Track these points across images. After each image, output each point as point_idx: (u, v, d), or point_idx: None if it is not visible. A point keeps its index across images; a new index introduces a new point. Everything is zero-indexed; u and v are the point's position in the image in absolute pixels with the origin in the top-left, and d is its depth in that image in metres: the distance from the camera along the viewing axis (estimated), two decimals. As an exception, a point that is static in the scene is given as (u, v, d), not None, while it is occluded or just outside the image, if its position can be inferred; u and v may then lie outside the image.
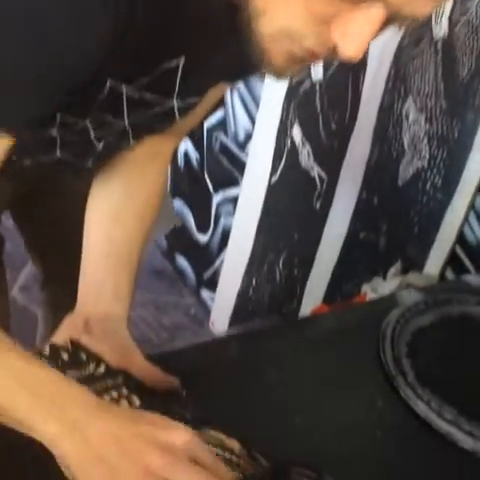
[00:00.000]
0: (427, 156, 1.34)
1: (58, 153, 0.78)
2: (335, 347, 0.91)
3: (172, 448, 0.57)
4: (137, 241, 0.86)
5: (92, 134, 0.76)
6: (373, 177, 1.48)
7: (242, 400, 0.81)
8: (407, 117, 1.37)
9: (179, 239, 2.37)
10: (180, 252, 2.37)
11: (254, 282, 1.93)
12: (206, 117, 0.92)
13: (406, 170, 1.38)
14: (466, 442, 0.78)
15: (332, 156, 1.58)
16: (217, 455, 0.70)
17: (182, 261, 2.36)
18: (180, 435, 0.58)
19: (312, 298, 1.70)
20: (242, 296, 1.98)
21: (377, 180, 1.47)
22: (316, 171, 1.63)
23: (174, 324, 2.15)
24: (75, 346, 0.78)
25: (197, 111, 0.83)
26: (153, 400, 0.76)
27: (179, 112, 0.78)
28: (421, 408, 0.81)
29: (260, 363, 0.87)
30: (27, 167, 0.82)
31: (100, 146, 0.79)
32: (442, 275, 1.32)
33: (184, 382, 0.79)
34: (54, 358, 0.78)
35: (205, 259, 2.20)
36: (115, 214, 0.86)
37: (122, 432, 0.57)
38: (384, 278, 1.43)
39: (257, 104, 1.81)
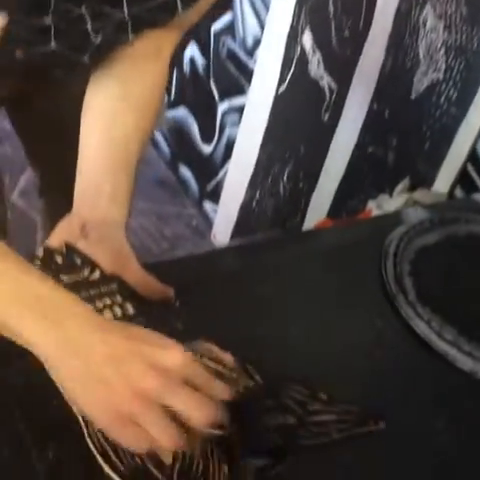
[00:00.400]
0: (443, 67, 1.27)
1: (53, 44, 0.74)
2: (336, 263, 0.88)
3: (168, 370, 0.54)
4: (136, 142, 0.82)
5: (89, 25, 0.71)
6: (385, 88, 1.41)
7: (238, 313, 0.79)
8: (424, 24, 1.29)
9: (183, 149, 2.32)
10: (184, 162, 2.33)
11: (258, 195, 1.89)
12: (209, 14, 0.85)
13: (420, 82, 1.31)
14: (465, 363, 0.76)
15: (344, 65, 1.51)
16: (210, 368, 0.69)
17: (185, 171, 2.32)
18: (176, 356, 0.55)
19: (316, 213, 1.67)
20: (245, 209, 1.96)
21: (389, 92, 1.41)
22: (326, 81, 1.56)
23: (175, 235, 2.13)
24: (70, 250, 0.76)
25: (200, 4, 0.77)
26: (147, 309, 0.74)
27: (182, 4, 0.72)
28: (421, 328, 0.79)
29: (258, 276, 0.84)
30: (21, 60, 0.78)
31: (97, 39, 0.75)
32: (451, 193, 1.28)
33: (179, 292, 0.77)
34: (48, 261, 0.75)
35: (208, 170, 2.16)
36: (113, 113, 0.82)
37: (119, 351, 0.54)
38: (390, 195, 1.39)
39: (267, 8, 1.72)
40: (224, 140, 2.07)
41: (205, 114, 2.13)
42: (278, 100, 1.71)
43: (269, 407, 0.66)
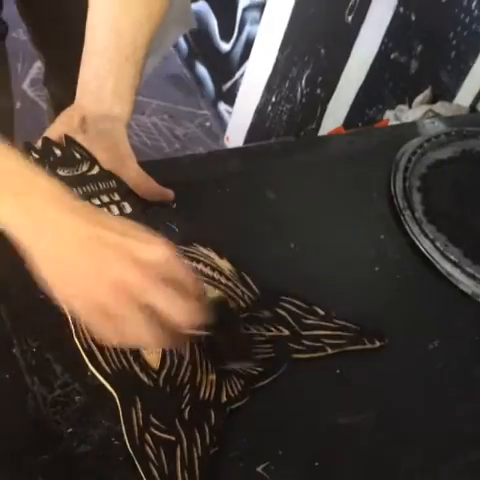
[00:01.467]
0: (478, -30, 1.18)
1: None
2: (344, 171, 0.84)
3: (150, 265, 0.51)
4: (144, 36, 0.77)
5: None
6: (414, -10, 1.33)
7: (239, 218, 0.76)
8: None
9: (200, 45, 2.24)
10: (200, 59, 2.26)
11: (274, 98, 1.83)
12: None
13: (452, -17, 1.23)
14: (467, 284, 0.74)
15: (372, -37, 1.42)
16: (205, 275, 0.67)
17: (202, 69, 2.25)
18: (161, 252, 0.52)
19: (332, 121, 1.61)
20: (260, 113, 1.90)
21: (418, -6, 1.32)
22: (352, -21, 1.47)
23: (188, 135, 2.08)
24: (69, 143, 0.73)
25: None
26: (144, 209, 0.71)
27: None
28: (426, 246, 0.76)
29: (262, 180, 0.81)
30: None
31: None
32: (473, 108, 1.22)
33: (180, 193, 0.74)
34: (46, 152, 0.73)
35: (226, 69, 2.09)
36: (122, 4, 0.77)
37: (102, 239, 0.51)
38: (410, 106, 1.33)
39: None
40: (243, 38, 1.99)
41: (225, 9, 2.04)
42: (301, -2, 1.63)
43: (263, 318, 0.65)
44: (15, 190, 0.51)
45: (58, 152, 0.73)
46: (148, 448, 0.53)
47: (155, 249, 0.51)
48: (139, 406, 0.56)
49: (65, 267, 0.51)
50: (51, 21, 1.09)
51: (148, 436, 0.54)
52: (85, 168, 0.72)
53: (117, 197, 0.71)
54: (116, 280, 0.49)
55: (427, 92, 1.30)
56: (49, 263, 0.51)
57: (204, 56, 2.24)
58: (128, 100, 0.77)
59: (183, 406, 0.57)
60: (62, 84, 1.09)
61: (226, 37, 2.08)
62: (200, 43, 2.24)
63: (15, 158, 0.54)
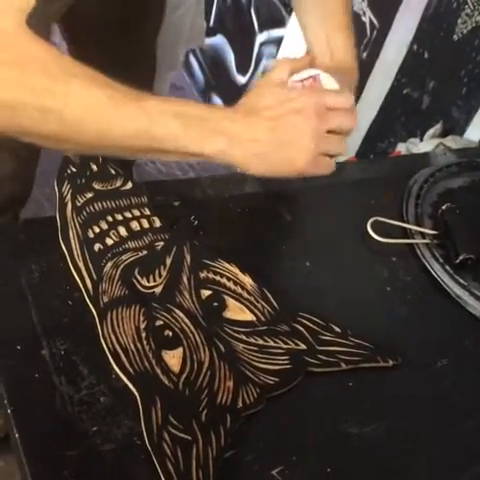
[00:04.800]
0: (490, 10, 1.23)
1: None
2: (358, 196, 0.88)
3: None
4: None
5: None
6: (428, 29, 1.38)
7: (258, 237, 0.80)
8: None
9: (217, 78, 2.29)
10: (216, 92, 2.31)
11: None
12: None
13: (464, 24, 1.28)
14: (475, 307, 0.76)
15: (388, 2, 1.47)
16: (228, 289, 0.70)
17: (217, 101, 2.30)
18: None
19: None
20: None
21: (431, 32, 1.37)
22: (368, 16, 1.52)
23: (201, 163, 2.12)
24: (105, 160, 0.79)
25: None
26: (172, 224, 0.76)
27: None
28: (436, 269, 0.79)
29: (280, 201, 0.85)
30: None
31: None
32: (483, 142, 1.26)
33: (198, 212, 0.78)
34: (83, 167, 0.78)
35: (241, 101, 2.13)
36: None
37: (280, 108, 0.68)
38: (421, 139, 1.37)
39: None
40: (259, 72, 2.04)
41: (243, 44, 2.10)
42: (317, 34, 1.68)
43: (281, 331, 0.68)
44: (219, 130, 0.66)
45: (94, 167, 0.78)
46: (165, 445, 0.56)
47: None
48: (159, 406, 0.58)
49: (267, 143, 0.68)
50: None
51: (166, 434, 0.57)
52: (119, 183, 0.78)
53: (147, 212, 0.76)
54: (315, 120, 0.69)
55: (438, 126, 1.34)
56: (251, 151, 0.67)
57: (220, 89, 2.29)
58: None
59: (200, 409, 0.59)
60: None
61: (242, 70, 2.13)
62: (217, 76, 2.29)
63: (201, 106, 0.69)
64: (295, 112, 0.68)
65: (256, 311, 0.69)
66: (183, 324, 0.66)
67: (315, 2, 0.88)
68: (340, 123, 0.72)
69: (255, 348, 0.65)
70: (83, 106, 0.61)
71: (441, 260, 0.79)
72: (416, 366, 0.70)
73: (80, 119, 0.61)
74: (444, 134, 1.34)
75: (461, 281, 0.78)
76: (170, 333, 0.64)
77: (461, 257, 0.78)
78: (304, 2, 0.89)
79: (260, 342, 0.66)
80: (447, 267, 0.79)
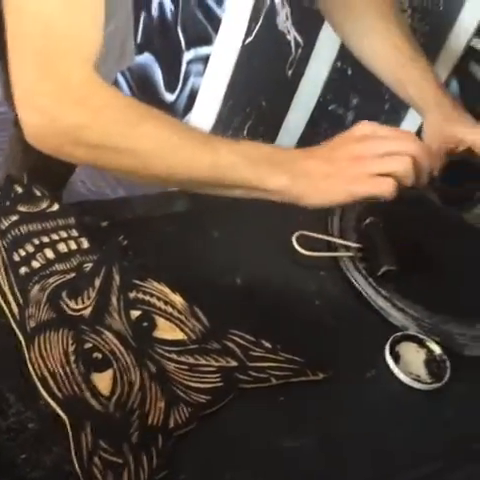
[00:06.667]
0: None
1: None
2: (283, 211, 0.88)
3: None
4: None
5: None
6: (350, 47, 1.41)
7: (188, 256, 0.80)
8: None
9: (145, 96, 2.29)
10: (146, 109, 2.30)
11: (217, 147, 1.88)
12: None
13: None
14: (396, 318, 0.78)
15: (312, 20, 1.50)
16: (158, 308, 0.70)
17: (147, 119, 2.29)
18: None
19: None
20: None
21: (353, 51, 1.41)
22: (293, 35, 1.55)
23: (131, 182, 2.12)
24: (30, 181, 0.78)
25: None
26: (100, 245, 0.75)
27: None
28: (359, 281, 0.81)
29: (209, 219, 0.86)
30: None
31: None
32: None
33: (128, 231, 0.78)
34: (7, 190, 0.77)
35: (170, 119, 2.14)
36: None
37: (332, 153, 0.71)
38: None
39: (239, -44, 1.70)
40: (187, 89, 2.05)
41: (170, 62, 2.11)
42: (244, 52, 1.70)
43: (212, 349, 0.68)
44: (280, 168, 0.70)
45: (19, 189, 0.77)
46: (96, 470, 0.55)
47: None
48: (88, 430, 0.58)
49: (315, 178, 0.70)
50: None
51: (96, 458, 0.56)
52: (45, 205, 0.77)
53: (75, 233, 0.75)
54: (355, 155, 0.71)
55: (362, 141, 1.37)
56: (303, 188, 0.70)
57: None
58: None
59: (132, 431, 0.59)
60: None
61: (170, 88, 2.14)
62: (145, 94, 2.29)
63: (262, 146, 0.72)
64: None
65: (187, 330, 0.69)
66: (113, 346, 0.65)
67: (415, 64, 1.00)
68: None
69: (186, 367, 0.66)
70: (154, 145, 0.67)
71: (364, 272, 0.81)
72: (345, 378, 0.71)
73: (151, 156, 0.67)
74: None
75: (383, 293, 0.80)
76: (99, 355, 0.64)
77: (383, 269, 0.80)
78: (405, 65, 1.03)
79: (191, 361, 0.66)
80: (370, 279, 0.81)
